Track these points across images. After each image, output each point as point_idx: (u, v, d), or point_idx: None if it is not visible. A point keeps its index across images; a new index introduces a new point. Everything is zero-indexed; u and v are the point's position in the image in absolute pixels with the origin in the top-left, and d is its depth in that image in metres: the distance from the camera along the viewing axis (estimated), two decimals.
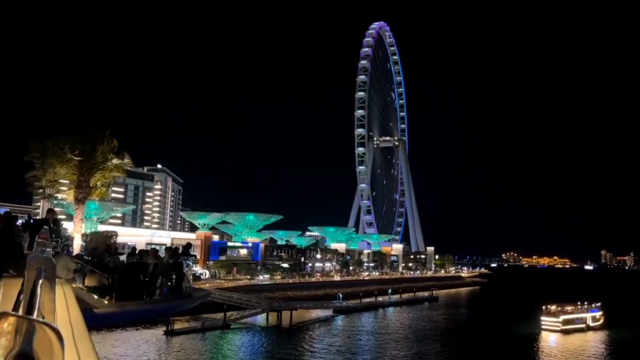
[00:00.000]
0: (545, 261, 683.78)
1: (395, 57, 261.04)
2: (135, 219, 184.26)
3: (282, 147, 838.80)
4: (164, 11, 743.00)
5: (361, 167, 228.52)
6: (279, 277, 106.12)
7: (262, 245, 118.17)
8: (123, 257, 18.92)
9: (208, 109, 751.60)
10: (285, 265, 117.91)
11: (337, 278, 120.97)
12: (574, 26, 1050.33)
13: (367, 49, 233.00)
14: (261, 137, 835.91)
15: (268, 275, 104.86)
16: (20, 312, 2.57)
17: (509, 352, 55.54)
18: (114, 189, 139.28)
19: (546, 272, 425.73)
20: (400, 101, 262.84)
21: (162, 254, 20.84)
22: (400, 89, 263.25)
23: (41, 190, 28.18)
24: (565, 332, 66.22)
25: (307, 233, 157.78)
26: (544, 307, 70.16)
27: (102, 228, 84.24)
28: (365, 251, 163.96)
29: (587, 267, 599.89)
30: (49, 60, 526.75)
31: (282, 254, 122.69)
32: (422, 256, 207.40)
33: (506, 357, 54.06)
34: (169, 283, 17.89)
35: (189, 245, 22.11)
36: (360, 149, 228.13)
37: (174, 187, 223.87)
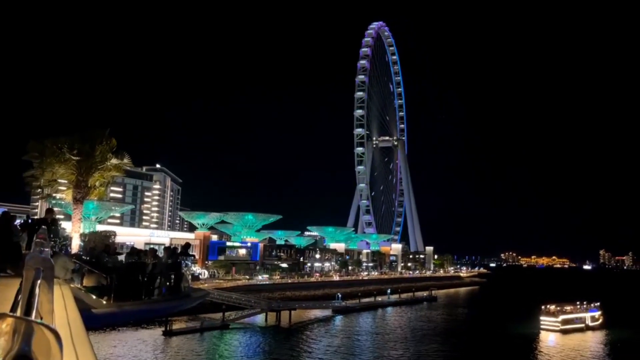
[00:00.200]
0: (544, 261, 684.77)
1: (394, 57, 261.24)
2: (134, 219, 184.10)
3: (282, 147, 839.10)
4: (164, 11, 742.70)
5: (360, 167, 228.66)
6: (278, 277, 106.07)
7: (261, 245, 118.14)
8: (121, 257, 18.90)
9: (208, 109, 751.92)
10: (284, 265, 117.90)
11: (336, 278, 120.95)
12: (574, 26, 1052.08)
13: (366, 49, 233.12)
14: (261, 137, 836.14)
15: (267, 275, 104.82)
16: (19, 313, 2.56)
17: (508, 352, 55.58)
18: (112, 188, 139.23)
19: (545, 272, 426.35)
20: (400, 101, 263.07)
21: (160, 253, 20.83)
22: (400, 89, 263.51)
23: (40, 190, 28.16)
24: (565, 331, 66.32)
25: (306, 233, 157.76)
26: (543, 307, 70.25)
27: (100, 228, 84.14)
28: (364, 251, 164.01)
29: (586, 267, 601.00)
30: (49, 60, 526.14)
31: (281, 254, 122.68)
32: (421, 256, 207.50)
33: (506, 357, 54.11)
34: (168, 283, 17.87)
35: (187, 245, 22.06)
36: (360, 149, 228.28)
37: (172, 186, 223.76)
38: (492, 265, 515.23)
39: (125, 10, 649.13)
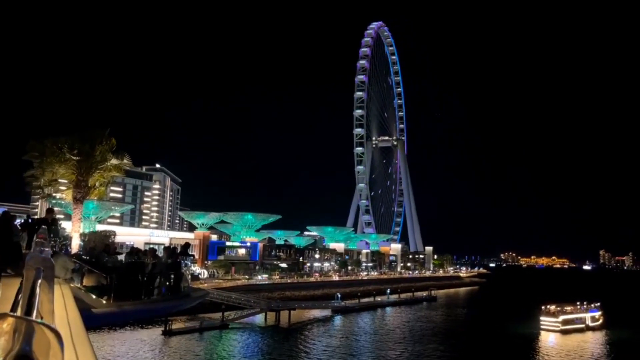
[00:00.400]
0: (543, 261, 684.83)
1: (393, 57, 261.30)
2: (134, 219, 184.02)
3: (282, 147, 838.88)
4: (164, 11, 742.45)
5: (360, 167, 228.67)
6: (278, 277, 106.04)
7: (260, 245, 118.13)
8: (121, 257, 18.91)
9: (208, 109, 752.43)
10: (284, 265, 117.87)
11: (335, 278, 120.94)
12: (573, 26, 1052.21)
13: (365, 49, 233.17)
14: (261, 137, 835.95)
15: (266, 275, 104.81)
16: (19, 313, 2.57)
17: (508, 352, 55.57)
18: (112, 188, 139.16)
19: (544, 272, 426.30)
20: (399, 101, 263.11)
21: (160, 253, 20.84)
22: (399, 89, 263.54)
23: (40, 190, 28.16)
24: (565, 332, 66.32)
25: (306, 233, 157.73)
26: (543, 307, 70.26)
27: (100, 228, 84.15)
28: (364, 251, 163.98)
29: (586, 267, 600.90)
30: (49, 60, 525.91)
31: (281, 254, 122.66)
32: (421, 256, 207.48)
33: (506, 357, 54.10)
34: (167, 283, 17.89)
35: (187, 245, 22.07)
36: (359, 149, 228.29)
37: (172, 186, 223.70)
38: (492, 265, 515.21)
39: (125, 10, 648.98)
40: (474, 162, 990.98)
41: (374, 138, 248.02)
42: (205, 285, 74.29)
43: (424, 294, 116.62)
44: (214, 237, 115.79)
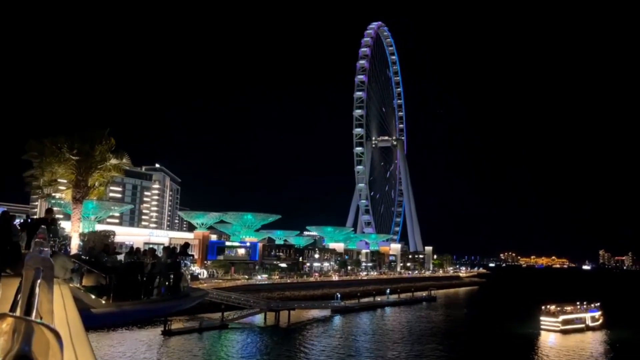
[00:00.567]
0: (543, 261, 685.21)
1: (393, 57, 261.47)
2: (133, 219, 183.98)
3: (282, 147, 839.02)
4: (164, 11, 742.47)
5: (359, 167, 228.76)
6: (277, 276, 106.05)
7: (260, 245, 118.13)
8: (121, 257, 18.91)
9: (208, 109, 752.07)
10: (283, 265, 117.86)
11: (335, 278, 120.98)
12: (573, 26, 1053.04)
13: (365, 49, 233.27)
14: (260, 137, 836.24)
15: (266, 275, 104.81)
16: (18, 313, 2.57)
17: (508, 352, 55.60)
18: (111, 188, 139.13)
19: (544, 272, 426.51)
20: (399, 101, 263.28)
21: (159, 253, 20.84)
22: (399, 89, 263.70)
23: (39, 190, 28.12)
24: (565, 332, 66.37)
25: (305, 233, 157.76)
26: (543, 307, 70.31)
27: (99, 227, 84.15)
28: (364, 251, 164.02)
29: (585, 267, 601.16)
30: (49, 59, 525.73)
31: (280, 254, 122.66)
32: (421, 256, 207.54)
33: (506, 358, 54.12)
34: (167, 283, 17.88)
35: (186, 245, 22.07)
36: (359, 149, 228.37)
37: (172, 186, 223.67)
38: (491, 265, 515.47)
39: (125, 10, 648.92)
40: (474, 162, 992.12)
41: (373, 138, 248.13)
42: (205, 285, 74.29)
43: (424, 294, 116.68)
44: (214, 237, 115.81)
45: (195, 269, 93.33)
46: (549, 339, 63.49)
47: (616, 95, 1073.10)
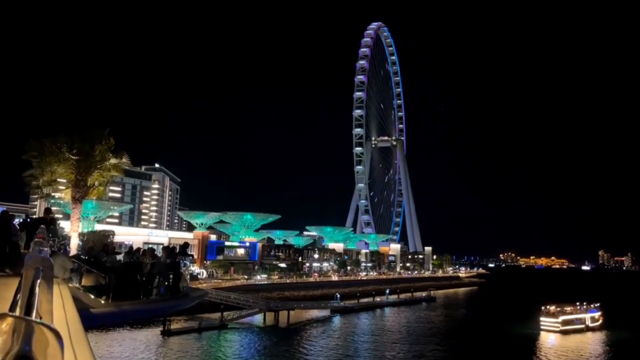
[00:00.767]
0: (542, 261, 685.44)
1: (393, 57, 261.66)
2: (133, 219, 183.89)
3: (282, 147, 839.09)
4: (164, 11, 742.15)
5: (359, 167, 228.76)
6: (277, 277, 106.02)
7: (259, 245, 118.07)
8: (120, 257, 18.89)
9: (208, 109, 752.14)
10: (283, 265, 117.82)
11: (334, 278, 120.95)
12: (573, 26, 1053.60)
13: (365, 49, 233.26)
14: (261, 137, 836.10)
15: (265, 275, 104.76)
16: (18, 312, 2.57)
17: (508, 352, 55.60)
18: (111, 188, 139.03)
19: (543, 273, 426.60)
20: (398, 101, 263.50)
21: (159, 253, 20.84)
22: (399, 89, 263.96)
23: (39, 190, 28.10)
24: (565, 332, 66.38)
25: (305, 233, 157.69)
26: (543, 308, 70.34)
27: (99, 227, 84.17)
28: (363, 251, 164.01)
29: (584, 268, 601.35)
30: (49, 59, 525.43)
31: (280, 254, 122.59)
32: (420, 256, 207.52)
33: (506, 358, 54.11)
34: (166, 283, 17.88)
35: (186, 245, 22.06)
36: (358, 149, 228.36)
37: (171, 186, 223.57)
38: (491, 265, 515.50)
39: (125, 9, 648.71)
40: (474, 162, 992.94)
41: (373, 138, 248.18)
42: (204, 285, 74.28)
43: (423, 294, 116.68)
44: (213, 237, 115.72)
45: (195, 269, 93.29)
46: (548, 340, 63.51)
47: (616, 95, 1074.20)
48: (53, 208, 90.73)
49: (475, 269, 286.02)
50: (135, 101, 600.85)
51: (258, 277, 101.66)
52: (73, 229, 26.45)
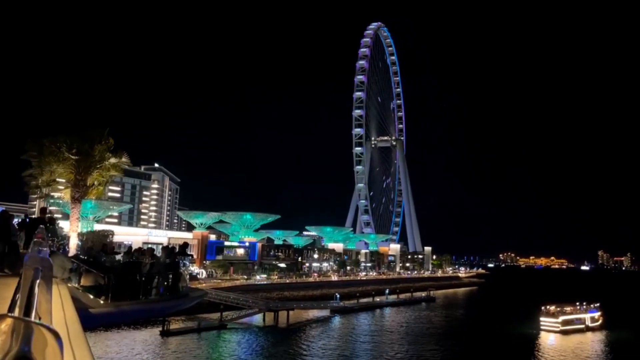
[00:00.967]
0: (542, 261, 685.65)
1: (393, 58, 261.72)
2: (132, 218, 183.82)
3: (281, 147, 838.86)
4: (165, 11, 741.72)
5: (359, 167, 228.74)
6: (276, 277, 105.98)
7: (259, 245, 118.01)
8: (119, 257, 18.88)
9: (208, 109, 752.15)
10: (283, 265, 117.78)
11: (334, 278, 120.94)
12: (573, 26, 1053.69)
13: (365, 50, 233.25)
14: (261, 137, 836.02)
15: (265, 275, 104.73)
16: (17, 313, 2.57)
17: (508, 352, 55.60)
18: (110, 187, 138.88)
19: (543, 273, 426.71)
20: (398, 101, 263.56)
21: (158, 253, 20.83)
22: (398, 89, 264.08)
23: (38, 189, 28.06)
24: (565, 332, 66.42)
25: (305, 233, 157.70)
26: (543, 308, 70.37)
27: (98, 227, 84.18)
28: (363, 251, 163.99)
29: (584, 268, 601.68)
30: (49, 59, 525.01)
31: (279, 254, 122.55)
32: (420, 256, 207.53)
33: (505, 358, 54.11)
34: (166, 283, 17.86)
35: (185, 245, 22.04)
36: (358, 149, 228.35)
37: (171, 186, 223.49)
38: (490, 265, 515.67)
39: (125, 9, 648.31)
40: (473, 162, 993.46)
41: (373, 138, 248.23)
42: (204, 285, 74.24)
43: (423, 294, 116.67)
44: (213, 237, 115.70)
45: (194, 269, 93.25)
46: (548, 340, 63.55)
47: (616, 95, 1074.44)
48: (52, 208, 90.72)
49: (475, 269, 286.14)
50: (135, 101, 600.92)
51: (257, 277, 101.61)
52: (72, 229, 26.41)
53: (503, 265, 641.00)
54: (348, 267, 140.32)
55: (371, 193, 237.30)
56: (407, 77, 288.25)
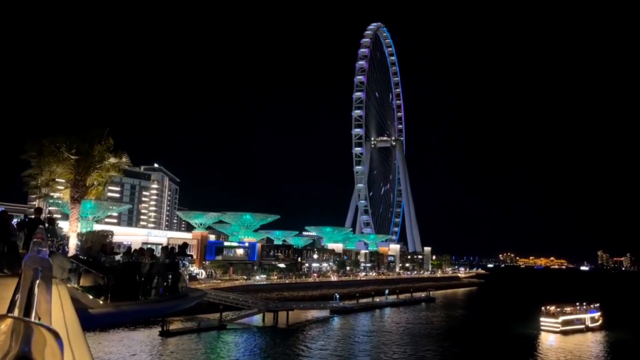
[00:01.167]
0: (542, 262, 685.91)
1: (392, 58, 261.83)
2: (132, 219, 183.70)
3: (281, 147, 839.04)
4: (165, 11, 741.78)
5: (359, 167, 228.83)
6: (276, 277, 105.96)
7: (258, 245, 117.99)
8: (119, 257, 18.87)
9: (208, 109, 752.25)
10: (282, 265, 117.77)
11: (334, 278, 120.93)
12: (573, 26, 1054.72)
13: (364, 50, 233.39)
14: (260, 137, 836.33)
15: (264, 276, 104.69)
16: (17, 313, 2.57)
17: (508, 353, 55.60)
18: (110, 188, 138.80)
19: (542, 273, 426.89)
20: (398, 101, 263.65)
21: (158, 253, 20.82)
22: (398, 89, 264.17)
23: (37, 189, 28.04)
24: (565, 332, 66.44)
25: (304, 233, 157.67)
26: (543, 308, 70.38)
27: (98, 227, 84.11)
28: (362, 251, 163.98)
29: (583, 268, 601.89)
30: (49, 59, 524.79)
31: (279, 254, 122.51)
32: (419, 256, 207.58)
33: (506, 358, 54.11)
34: (165, 283, 17.85)
35: (185, 245, 22.03)
36: (358, 149, 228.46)
37: (170, 186, 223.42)
38: (490, 266, 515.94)
39: (125, 9, 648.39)
40: (473, 162, 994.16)
41: (372, 138, 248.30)
42: (203, 285, 74.20)
43: (423, 294, 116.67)
44: (212, 237, 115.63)
45: (194, 269, 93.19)
46: (548, 340, 63.56)
47: (616, 95, 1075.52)
48: (52, 208, 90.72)
49: (475, 269, 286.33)
50: (135, 101, 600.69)
51: (257, 277, 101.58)
52: (71, 229, 26.40)
53: (503, 265, 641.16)
54: (347, 268, 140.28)
55: (371, 193, 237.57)
56: (407, 77, 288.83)
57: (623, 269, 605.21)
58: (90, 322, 15.84)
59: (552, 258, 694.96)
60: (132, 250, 19.57)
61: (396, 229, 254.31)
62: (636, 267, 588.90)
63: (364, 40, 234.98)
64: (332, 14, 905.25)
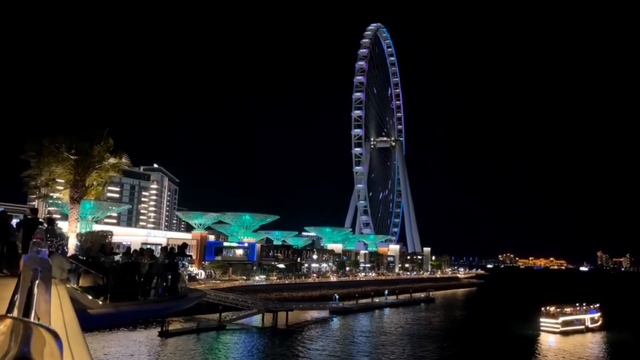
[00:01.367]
0: (541, 262, 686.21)
1: (392, 58, 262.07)
2: (131, 219, 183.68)
3: (281, 147, 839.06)
4: (165, 10, 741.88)
5: (358, 168, 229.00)
6: (275, 277, 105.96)
7: (258, 246, 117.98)
8: (118, 257, 18.85)
9: (208, 109, 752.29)
10: (282, 265, 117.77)
11: (333, 279, 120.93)
12: (573, 26, 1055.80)
13: (364, 50, 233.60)
14: (261, 137, 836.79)
15: (264, 276, 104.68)
16: (16, 313, 2.56)
17: (508, 353, 55.61)
18: (109, 188, 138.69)
19: (541, 274, 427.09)
20: (397, 102, 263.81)
21: (157, 254, 20.80)
22: (398, 90, 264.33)
23: (37, 190, 28.01)
24: (565, 333, 66.45)
25: (304, 233, 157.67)
26: (543, 309, 70.39)
27: (97, 228, 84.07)
28: (362, 252, 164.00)
29: (583, 269, 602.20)
30: (48, 59, 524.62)
31: (279, 255, 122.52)
32: (419, 257, 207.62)
33: (506, 359, 54.11)
34: (164, 283, 17.84)
35: (184, 246, 22.01)
36: (358, 150, 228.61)
37: (170, 186, 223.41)
38: (489, 266, 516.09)
39: (125, 9, 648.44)
40: (473, 162, 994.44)
41: (372, 139, 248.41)
42: (203, 286, 74.19)
43: (422, 295, 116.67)
44: (212, 238, 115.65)
45: (193, 269, 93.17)
46: (548, 340, 63.57)
47: (615, 96, 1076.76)
48: (51, 208, 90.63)
49: (474, 269, 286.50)
50: (135, 101, 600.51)
51: (256, 277, 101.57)
52: (71, 229, 26.37)
53: (502, 266, 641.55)
54: (347, 268, 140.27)
55: (370, 194, 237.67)
56: (406, 78, 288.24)
57: (623, 269, 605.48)
58: (89, 323, 15.83)
59: (551, 258, 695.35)
60: (132, 250, 19.55)
61: (396, 230, 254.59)
62: (636, 267, 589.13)
63: (364, 40, 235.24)
64: (332, 15, 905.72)
